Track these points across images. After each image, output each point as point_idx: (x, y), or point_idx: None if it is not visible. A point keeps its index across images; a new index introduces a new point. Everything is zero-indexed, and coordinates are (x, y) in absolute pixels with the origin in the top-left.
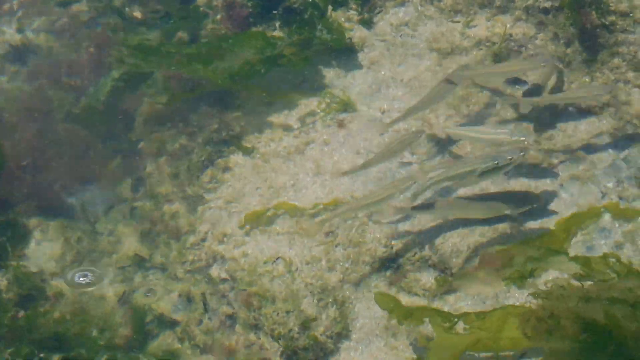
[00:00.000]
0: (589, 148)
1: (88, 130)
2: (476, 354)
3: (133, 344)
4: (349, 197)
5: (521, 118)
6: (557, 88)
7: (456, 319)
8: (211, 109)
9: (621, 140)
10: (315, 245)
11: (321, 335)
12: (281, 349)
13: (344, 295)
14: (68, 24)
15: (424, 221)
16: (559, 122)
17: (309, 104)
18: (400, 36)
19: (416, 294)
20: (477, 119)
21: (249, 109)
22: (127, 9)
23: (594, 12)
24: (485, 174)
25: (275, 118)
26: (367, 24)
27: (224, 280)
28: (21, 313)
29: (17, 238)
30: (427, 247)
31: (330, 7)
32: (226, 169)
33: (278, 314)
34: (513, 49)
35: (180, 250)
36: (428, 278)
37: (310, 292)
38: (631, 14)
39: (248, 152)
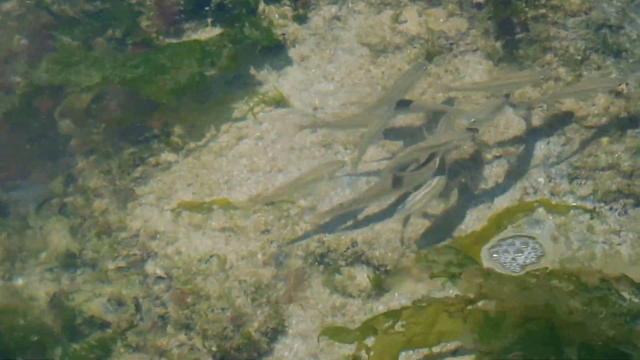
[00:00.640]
0: (521, 144)
1: (15, 127)
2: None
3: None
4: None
5: None
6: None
7: (392, 320)
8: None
9: (553, 137)
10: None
11: (255, 332)
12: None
13: (278, 295)
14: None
15: (358, 216)
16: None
17: (240, 103)
18: (332, 30)
19: (351, 295)
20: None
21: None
22: (55, 6)
23: (523, 5)
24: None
25: (207, 115)
26: (301, 19)
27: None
28: None
29: None
30: (360, 242)
31: (263, 3)
32: (156, 165)
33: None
34: (445, 46)
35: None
36: (362, 275)
37: (244, 291)
38: (562, 7)
39: (179, 149)
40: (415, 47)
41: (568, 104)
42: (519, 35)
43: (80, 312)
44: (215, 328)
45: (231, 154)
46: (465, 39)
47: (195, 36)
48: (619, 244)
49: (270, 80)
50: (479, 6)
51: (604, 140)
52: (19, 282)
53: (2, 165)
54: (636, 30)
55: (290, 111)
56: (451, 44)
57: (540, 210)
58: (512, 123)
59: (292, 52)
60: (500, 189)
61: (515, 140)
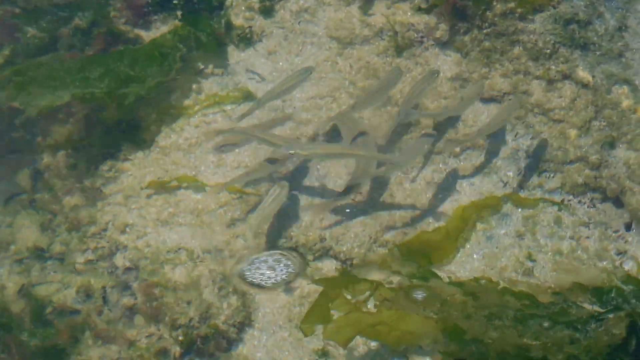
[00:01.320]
0: (490, 137)
1: None
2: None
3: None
4: None
5: None
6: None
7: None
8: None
9: (522, 130)
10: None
11: (223, 324)
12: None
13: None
14: None
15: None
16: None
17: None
18: (299, 23)
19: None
20: None
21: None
22: None
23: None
24: None
25: (176, 109)
26: (268, 12)
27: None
28: None
29: None
30: (328, 237)
31: None
32: (126, 160)
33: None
34: (415, 39)
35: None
36: (330, 268)
37: (212, 281)
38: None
39: (147, 145)
40: (383, 39)
41: (536, 95)
42: (487, 30)
43: (50, 302)
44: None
45: (199, 150)
46: (434, 33)
47: (164, 28)
48: (587, 237)
49: (239, 73)
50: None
51: (572, 132)
52: None
53: None
54: (604, 25)
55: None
56: (422, 37)
57: (508, 204)
58: (480, 116)
59: (260, 46)
60: (468, 183)
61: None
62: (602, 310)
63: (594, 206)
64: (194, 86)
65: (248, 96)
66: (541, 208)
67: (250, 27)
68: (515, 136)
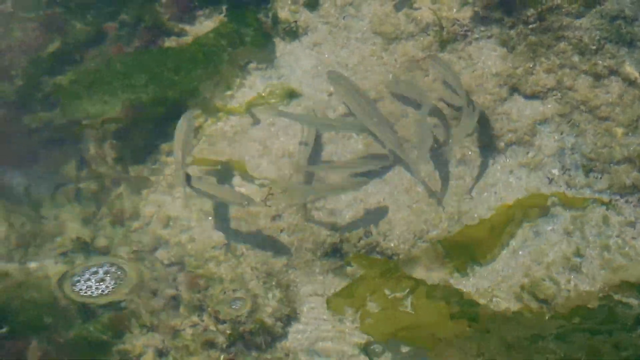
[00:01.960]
0: (534, 133)
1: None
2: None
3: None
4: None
5: None
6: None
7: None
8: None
9: (567, 126)
10: None
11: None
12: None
13: (289, 279)
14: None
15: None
16: (503, 107)
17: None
18: (344, 18)
19: None
20: None
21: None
22: None
23: None
24: None
25: (220, 100)
26: (312, 6)
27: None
28: None
29: None
30: (374, 233)
31: None
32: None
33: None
34: (460, 33)
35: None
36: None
37: (257, 277)
38: None
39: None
40: (429, 35)
41: (581, 91)
42: (533, 25)
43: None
44: None
45: (245, 139)
46: (479, 27)
47: (208, 23)
48: (632, 238)
49: (283, 66)
50: None
51: (619, 131)
52: (32, 265)
53: (11, 150)
54: None
55: (303, 98)
56: (466, 31)
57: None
58: (523, 112)
59: (305, 40)
60: (514, 179)
61: (528, 130)
62: None
63: None
64: (238, 81)
65: (292, 90)
66: (590, 209)
67: (295, 21)
68: (561, 133)
